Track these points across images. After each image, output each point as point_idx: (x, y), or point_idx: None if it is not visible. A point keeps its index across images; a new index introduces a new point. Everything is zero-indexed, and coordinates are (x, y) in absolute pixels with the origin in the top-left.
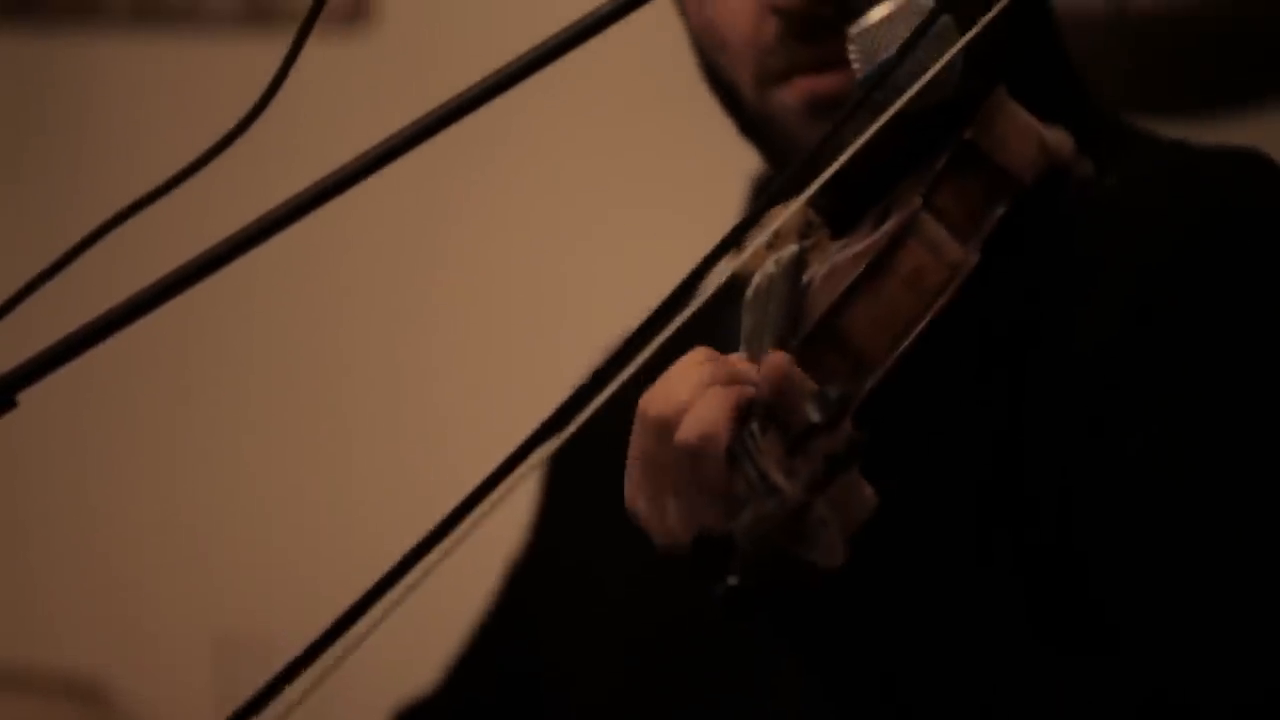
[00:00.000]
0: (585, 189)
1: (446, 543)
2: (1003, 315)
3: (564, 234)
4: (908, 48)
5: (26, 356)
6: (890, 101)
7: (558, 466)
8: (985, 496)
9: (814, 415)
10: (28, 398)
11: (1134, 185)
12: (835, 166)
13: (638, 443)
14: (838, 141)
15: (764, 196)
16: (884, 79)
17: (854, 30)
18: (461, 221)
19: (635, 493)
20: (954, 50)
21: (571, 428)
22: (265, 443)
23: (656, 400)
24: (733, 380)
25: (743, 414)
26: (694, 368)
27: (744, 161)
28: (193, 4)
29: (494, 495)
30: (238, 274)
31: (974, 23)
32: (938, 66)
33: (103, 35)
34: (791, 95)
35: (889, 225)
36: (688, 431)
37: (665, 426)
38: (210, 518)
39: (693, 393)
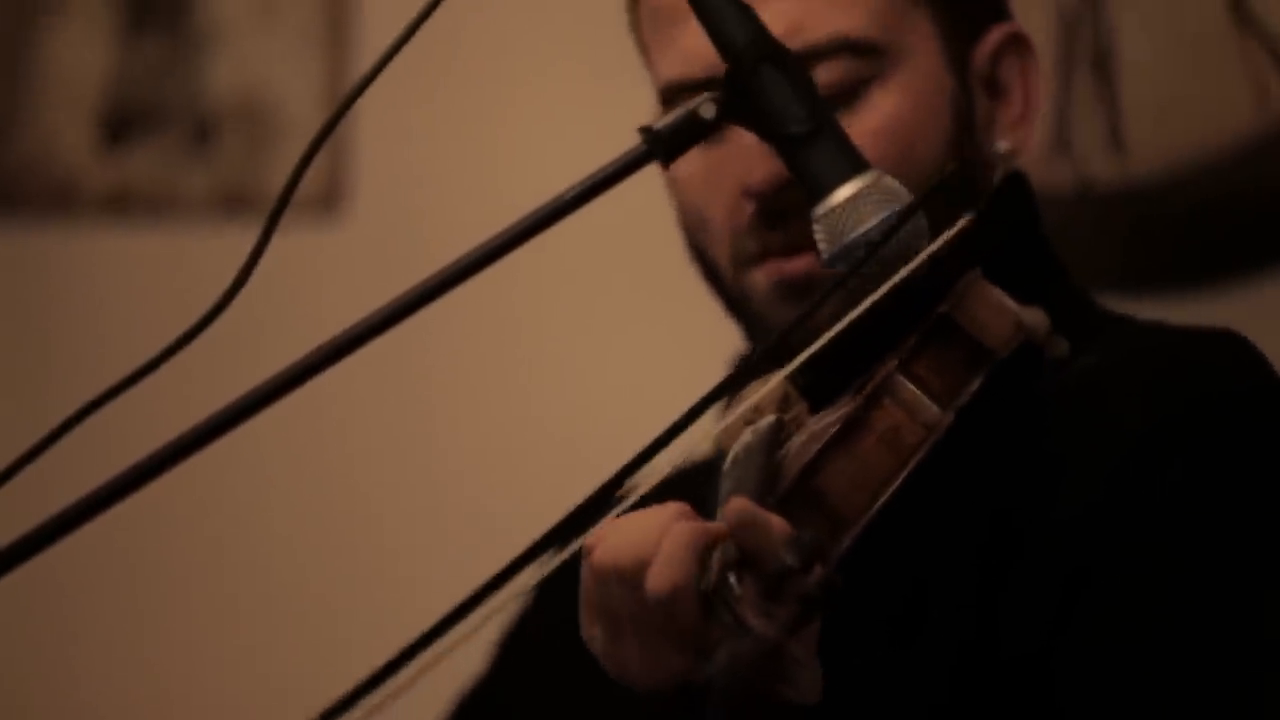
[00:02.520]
0: (562, 368)
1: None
2: (977, 488)
3: (542, 414)
4: (891, 231)
5: (4, 541)
6: (871, 284)
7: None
8: (962, 658)
9: (789, 559)
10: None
11: (1113, 364)
12: (815, 347)
13: (591, 591)
14: (817, 320)
15: (740, 370)
16: (869, 260)
17: (819, 210)
18: (433, 406)
19: (591, 636)
20: (929, 250)
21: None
22: (231, 630)
23: (613, 549)
24: (691, 517)
25: (707, 552)
26: (652, 514)
27: (721, 340)
28: (167, 194)
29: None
30: (211, 460)
31: (953, 205)
32: (921, 258)
33: (77, 226)
34: (763, 276)
35: (847, 399)
36: (658, 582)
37: (628, 575)
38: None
39: (654, 539)
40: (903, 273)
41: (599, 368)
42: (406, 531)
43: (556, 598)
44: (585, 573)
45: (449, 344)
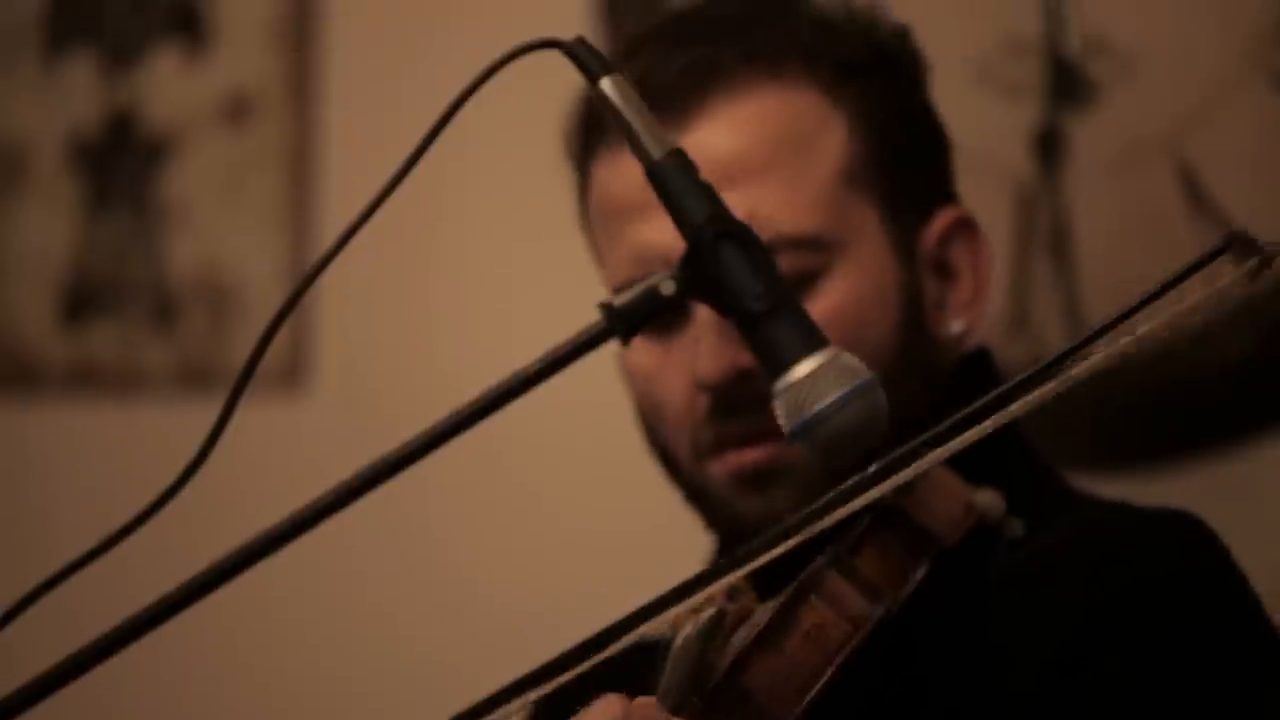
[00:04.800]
0: (526, 553)
1: None
2: (923, 675)
3: (514, 601)
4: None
5: None
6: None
7: None
8: None
9: None
10: None
11: (1061, 547)
12: (770, 555)
13: None
14: (774, 511)
15: (717, 566)
16: (865, 484)
17: (779, 385)
18: (397, 583)
19: None
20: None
21: None
22: None
23: None
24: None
25: None
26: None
27: (689, 526)
28: (130, 368)
29: None
30: (173, 633)
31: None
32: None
33: (40, 402)
34: (722, 468)
35: (793, 583)
36: None
37: None
38: None
39: None
40: (861, 499)
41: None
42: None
43: None
44: None
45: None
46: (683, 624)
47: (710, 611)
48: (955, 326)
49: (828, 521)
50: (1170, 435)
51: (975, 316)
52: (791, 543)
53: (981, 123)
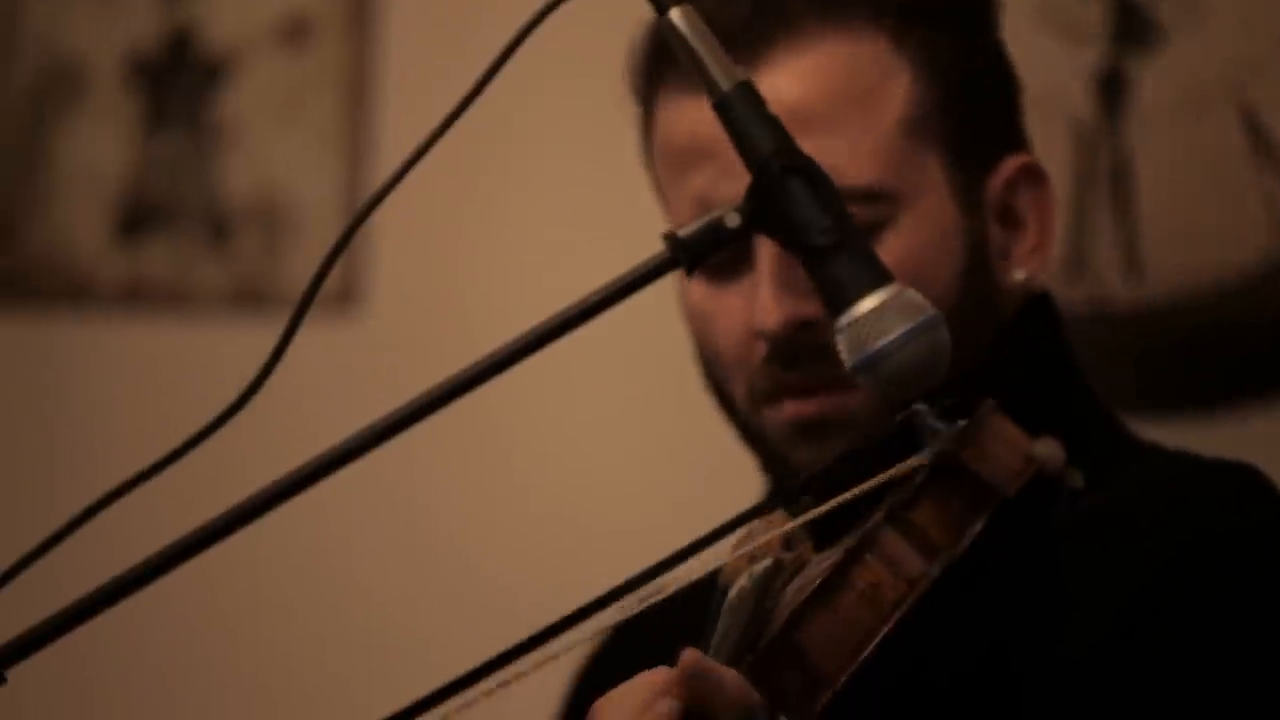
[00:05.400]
0: (578, 474)
1: None
2: (985, 626)
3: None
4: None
5: (17, 632)
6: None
7: None
8: None
9: None
10: (18, 674)
11: (1127, 499)
12: (832, 504)
13: None
14: (831, 457)
15: (762, 504)
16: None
17: (842, 321)
18: (449, 507)
19: None
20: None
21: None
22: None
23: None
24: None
25: None
26: (639, 689)
27: (721, 446)
28: (183, 287)
29: None
30: (227, 554)
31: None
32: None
33: (94, 318)
34: (779, 416)
35: (849, 540)
36: None
37: None
38: None
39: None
40: (913, 462)
41: (606, 471)
42: (410, 627)
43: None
44: None
45: (457, 442)
46: (738, 573)
47: (766, 562)
48: (1018, 275)
49: (891, 473)
50: (1218, 382)
51: (1039, 266)
52: (852, 494)
53: (1044, 64)
